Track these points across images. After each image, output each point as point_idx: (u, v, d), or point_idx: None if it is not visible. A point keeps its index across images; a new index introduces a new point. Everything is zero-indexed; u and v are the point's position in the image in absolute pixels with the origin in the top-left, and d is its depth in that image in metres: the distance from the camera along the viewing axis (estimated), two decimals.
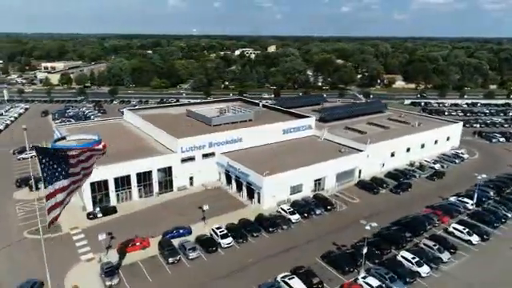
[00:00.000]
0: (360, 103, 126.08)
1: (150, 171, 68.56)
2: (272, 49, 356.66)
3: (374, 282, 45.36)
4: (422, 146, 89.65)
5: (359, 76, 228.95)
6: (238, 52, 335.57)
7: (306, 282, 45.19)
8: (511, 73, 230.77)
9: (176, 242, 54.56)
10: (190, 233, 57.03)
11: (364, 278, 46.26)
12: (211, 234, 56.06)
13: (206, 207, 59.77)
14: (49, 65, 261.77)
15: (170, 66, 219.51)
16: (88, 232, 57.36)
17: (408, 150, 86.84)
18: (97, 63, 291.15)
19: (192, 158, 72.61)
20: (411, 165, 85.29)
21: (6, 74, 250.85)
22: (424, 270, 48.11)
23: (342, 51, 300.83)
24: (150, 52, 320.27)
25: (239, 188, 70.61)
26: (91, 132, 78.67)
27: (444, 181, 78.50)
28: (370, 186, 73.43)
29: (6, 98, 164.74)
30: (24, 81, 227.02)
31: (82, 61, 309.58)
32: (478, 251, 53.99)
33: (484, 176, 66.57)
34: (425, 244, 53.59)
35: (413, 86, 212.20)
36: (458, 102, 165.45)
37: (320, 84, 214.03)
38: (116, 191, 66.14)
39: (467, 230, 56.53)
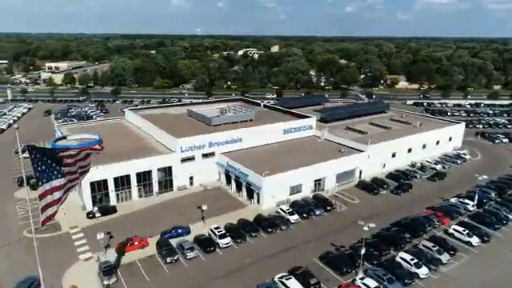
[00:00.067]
0: (362, 103, 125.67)
1: (150, 171, 68.65)
2: (275, 49, 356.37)
3: (372, 283, 45.13)
4: (424, 146, 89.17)
5: (362, 76, 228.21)
6: (241, 52, 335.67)
7: (303, 282, 45.04)
8: None
9: (175, 241, 54.59)
10: (188, 232, 57.04)
11: (362, 279, 46.04)
12: (210, 234, 56.06)
13: (204, 207, 59.78)
14: (53, 65, 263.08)
15: (173, 66, 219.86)
16: (87, 231, 57.48)
17: (409, 150, 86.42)
18: (100, 63, 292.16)
19: (192, 158, 72.64)
20: (412, 165, 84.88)
21: (11, 74, 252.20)
22: (422, 271, 47.82)
23: (346, 51, 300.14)
24: (153, 52, 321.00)
25: (239, 188, 70.56)
26: (92, 132, 78.85)
27: (445, 182, 78.05)
28: (371, 186, 73.13)
29: (9, 98, 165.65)
30: (28, 81, 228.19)
31: (86, 61, 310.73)
32: (478, 253, 53.60)
33: (485, 177, 66.18)
34: (424, 245, 53.27)
35: (416, 86, 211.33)
36: (462, 102, 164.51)
37: (322, 84, 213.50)
38: (116, 191, 66.27)
39: (467, 231, 56.16)
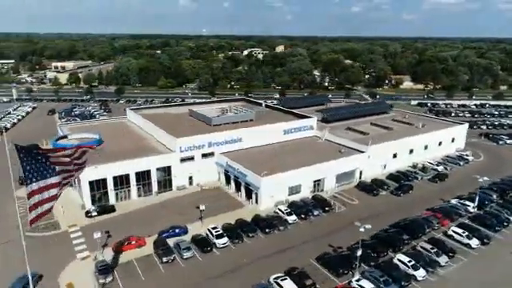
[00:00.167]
0: (364, 104, 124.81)
1: (149, 170, 68.83)
2: (280, 49, 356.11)
3: (368, 284, 44.81)
4: (426, 147, 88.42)
5: (367, 76, 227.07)
6: (246, 52, 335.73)
7: (298, 283, 44.89)
8: None
9: (172, 241, 54.67)
10: (185, 232, 57.08)
11: (358, 280, 45.73)
12: (207, 234, 56.04)
13: (202, 207, 59.74)
14: (59, 64, 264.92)
15: (177, 66, 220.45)
16: (86, 230, 57.74)
17: (411, 151, 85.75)
18: (106, 63, 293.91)
19: (191, 158, 72.72)
20: (414, 166, 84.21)
21: (17, 74, 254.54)
22: (420, 273, 47.40)
23: (351, 51, 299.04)
24: (158, 52, 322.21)
25: (238, 188, 70.49)
26: (92, 131, 79.48)
27: (446, 183, 77.30)
28: (370, 187, 72.66)
29: (14, 97, 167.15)
30: (34, 80, 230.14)
31: (92, 60, 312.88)
32: (478, 255, 52.99)
33: (486, 178, 65.37)
34: (422, 247, 52.78)
35: (421, 86, 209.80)
36: (467, 102, 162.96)
37: (326, 84, 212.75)
38: (115, 190, 66.55)
39: (467, 233, 55.56)
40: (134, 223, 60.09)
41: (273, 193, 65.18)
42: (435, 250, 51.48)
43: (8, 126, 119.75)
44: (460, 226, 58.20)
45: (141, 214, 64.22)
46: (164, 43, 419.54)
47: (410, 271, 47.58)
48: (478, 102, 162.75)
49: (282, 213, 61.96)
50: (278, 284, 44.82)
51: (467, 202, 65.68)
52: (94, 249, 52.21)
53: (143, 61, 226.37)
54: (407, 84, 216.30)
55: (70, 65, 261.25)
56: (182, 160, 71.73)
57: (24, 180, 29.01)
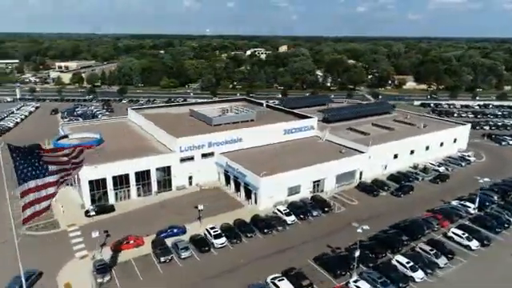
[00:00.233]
0: (366, 104, 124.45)
1: (149, 170, 68.90)
2: (283, 49, 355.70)
3: (366, 286, 44.67)
4: (427, 148, 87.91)
5: (370, 77, 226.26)
6: (249, 52, 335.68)
7: (295, 284, 44.78)
8: None
9: (170, 241, 54.69)
10: (184, 232, 57.10)
11: (355, 281, 45.55)
12: (205, 234, 56.02)
13: (200, 207, 59.79)
14: (62, 64, 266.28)
15: (180, 66, 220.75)
16: (85, 229, 57.87)
17: (412, 152, 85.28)
18: (109, 63, 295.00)
19: (191, 158, 72.73)
20: (415, 167, 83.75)
21: (21, 73, 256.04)
22: (418, 275, 47.13)
23: (354, 51, 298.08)
24: (162, 52, 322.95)
25: (237, 188, 70.42)
26: (93, 131, 79.71)
27: (448, 184, 76.82)
28: (371, 188, 72.34)
29: (18, 97, 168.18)
30: (37, 80, 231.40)
31: (96, 60, 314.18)
32: (477, 257, 52.62)
33: (486, 179, 64.96)
34: (421, 248, 52.49)
35: (424, 86, 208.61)
36: (470, 103, 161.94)
37: (329, 84, 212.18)
38: (114, 190, 66.66)
39: (466, 234, 55.18)
40: (133, 223, 60.18)
41: (272, 193, 65.06)
42: (434, 251, 51.18)
43: (11, 125, 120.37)
44: (460, 227, 57.82)
45: (140, 213, 64.32)
46: (167, 43, 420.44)
47: (409, 272, 47.34)
48: (481, 103, 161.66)
49: (281, 213, 61.82)
50: (275, 284, 44.76)
51: (468, 203, 65.22)
52: (93, 248, 52.36)
53: (146, 61, 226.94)
54: (410, 84, 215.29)
55: (73, 65, 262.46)
56: (182, 160, 71.76)
57: (17, 179, 29.06)
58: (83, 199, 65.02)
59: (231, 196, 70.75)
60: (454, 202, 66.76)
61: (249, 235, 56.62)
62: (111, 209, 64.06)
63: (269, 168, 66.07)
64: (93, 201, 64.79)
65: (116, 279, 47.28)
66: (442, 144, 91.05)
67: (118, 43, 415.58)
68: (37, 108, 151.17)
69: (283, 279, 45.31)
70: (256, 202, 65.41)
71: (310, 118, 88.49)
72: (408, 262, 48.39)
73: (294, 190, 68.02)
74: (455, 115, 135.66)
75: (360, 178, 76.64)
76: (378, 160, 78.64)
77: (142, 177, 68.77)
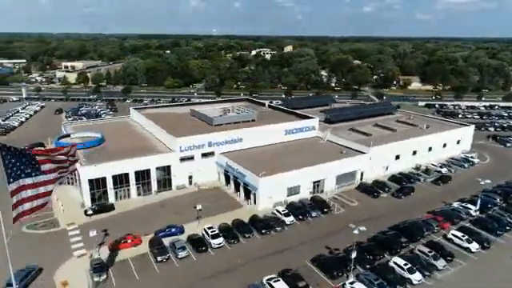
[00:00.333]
0: (368, 105, 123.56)
1: (149, 169, 69.07)
2: (289, 49, 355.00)
3: (362, 287, 44.27)
4: (430, 149, 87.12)
5: (375, 77, 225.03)
6: (254, 52, 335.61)
7: (291, 285, 44.58)
8: None
9: (168, 240, 54.73)
10: (182, 232, 57.12)
11: (351, 283, 45.24)
12: (203, 234, 56.02)
13: (199, 207, 59.80)
14: (69, 64, 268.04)
15: (185, 66, 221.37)
16: (84, 228, 58.06)
17: (414, 153, 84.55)
18: (115, 63, 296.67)
19: (191, 158, 72.80)
20: (417, 168, 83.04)
21: (28, 73, 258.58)
22: (416, 277, 46.67)
23: (360, 51, 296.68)
24: (168, 52, 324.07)
25: (237, 188, 70.35)
26: (95, 130, 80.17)
27: (450, 186, 76.04)
28: (371, 189, 71.84)
29: (24, 96, 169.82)
30: (43, 79, 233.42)
31: (102, 60, 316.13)
32: (477, 259, 52.01)
33: (488, 181, 64.20)
34: (420, 250, 51.99)
35: (429, 87, 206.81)
36: (476, 104, 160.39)
37: (333, 85, 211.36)
38: (114, 189, 66.91)
39: (466, 237, 54.54)
40: (133, 222, 60.37)
41: (271, 193, 64.88)
42: (433, 253, 50.66)
43: (15, 124, 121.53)
44: (460, 229, 57.21)
45: (139, 212, 64.49)
46: (173, 43, 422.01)
47: (406, 274, 46.88)
48: (487, 104, 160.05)
49: (280, 214, 61.61)
50: (271, 285, 44.58)
51: (469, 205, 64.47)
52: (91, 247, 52.60)
53: (151, 61, 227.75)
54: (415, 85, 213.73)
55: (79, 64, 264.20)
56: (182, 159, 71.86)
57: (7, 178, 29.18)
58: (83, 198, 65.35)
59: (231, 196, 70.68)
60: (456, 204, 66.03)
61: (247, 235, 56.48)
62: (111, 208, 64.31)
63: (269, 168, 65.90)
64: (93, 200, 65.10)
65: (112, 278, 47.45)
66: (444, 145, 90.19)
67: (124, 43, 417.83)
68: (42, 107, 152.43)
69: (279, 280, 45.14)
70: (255, 202, 65.27)
71: (312, 118, 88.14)
72: (405, 264, 47.95)
73: (293, 191, 67.77)
74: (460, 116, 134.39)
75: (361, 179, 76.16)
76: (380, 161, 78.07)
77: (142, 176, 68.96)
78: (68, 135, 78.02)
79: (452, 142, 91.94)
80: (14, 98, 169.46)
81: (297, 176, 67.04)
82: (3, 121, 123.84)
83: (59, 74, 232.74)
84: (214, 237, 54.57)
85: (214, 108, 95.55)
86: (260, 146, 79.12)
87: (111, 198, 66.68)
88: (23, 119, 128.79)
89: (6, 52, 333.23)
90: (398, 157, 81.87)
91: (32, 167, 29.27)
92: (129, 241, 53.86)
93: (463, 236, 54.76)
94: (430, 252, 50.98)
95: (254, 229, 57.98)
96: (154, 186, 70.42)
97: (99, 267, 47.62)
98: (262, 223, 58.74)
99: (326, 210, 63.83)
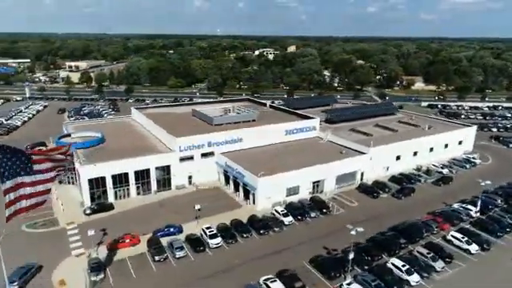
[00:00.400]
0: (370, 105, 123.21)
1: (148, 169, 69.16)
2: (292, 49, 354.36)
3: None
4: (431, 149, 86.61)
5: (378, 77, 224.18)
6: (257, 52, 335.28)
7: (288, 285, 44.48)
8: None
9: (166, 240, 54.77)
10: (180, 231, 57.16)
11: (349, 284, 45.04)
12: (201, 234, 56.01)
13: (197, 206, 59.80)
14: (72, 64, 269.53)
15: (187, 66, 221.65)
16: (83, 227, 58.05)
17: (415, 153, 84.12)
18: (118, 62, 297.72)
19: (191, 158, 72.81)
20: (418, 169, 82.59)
21: (32, 73, 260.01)
22: (414, 278, 46.38)
23: (363, 52, 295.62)
24: (171, 52, 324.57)
25: (237, 188, 70.30)
26: (95, 130, 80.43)
27: (451, 186, 75.59)
28: (371, 189, 71.53)
29: (27, 96, 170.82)
30: (47, 79, 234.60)
31: (105, 60, 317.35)
32: (477, 261, 51.64)
33: (488, 182, 63.53)
34: (418, 251, 51.67)
35: (433, 87, 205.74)
36: (479, 104, 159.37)
37: (336, 85, 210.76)
38: (114, 188, 67.04)
39: (466, 238, 54.15)
40: (132, 221, 60.47)
41: (270, 193, 64.78)
42: (431, 254, 50.33)
43: (18, 124, 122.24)
44: (460, 230, 56.80)
45: (139, 212, 64.57)
46: (177, 43, 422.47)
47: (404, 276, 46.61)
48: (490, 104, 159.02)
49: (278, 214, 61.50)
50: (267, 286, 44.49)
51: (470, 207, 64.02)
52: (90, 246, 52.75)
53: (153, 60, 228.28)
54: (419, 85, 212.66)
55: (83, 64, 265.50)
56: (182, 159, 71.89)
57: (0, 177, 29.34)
58: (83, 197, 65.55)
59: (230, 196, 70.63)
60: (456, 205, 65.58)
61: (245, 235, 56.42)
62: (110, 207, 64.46)
63: (268, 168, 65.78)
64: (92, 199, 65.25)
65: (110, 277, 47.53)
66: (446, 146, 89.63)
67: (127, 43, 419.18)
68: (45, 107, 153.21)
69: (275, 280, 45.05)
70: (254, 202, 65.18)
71: (312, 118, 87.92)
72: (404, 265, 47.68)
73: (292, 191, 67.61)
74: (463, 117, 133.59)
75: (361, 180, 75.87)
76: (380, 161, 77.72)
77: (142, 176, 69.07)
78: (69, 135, 78.33)
79: (454, 142, 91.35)
80: (18, 98, 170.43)
81: (296, 176, 66.88)
82: (6, 120, 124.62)
83: (63, 74, 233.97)
84: (212, 237, 54.53)
85: (214, 108, 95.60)
86: (260, 146, 79.03)
87: (111, 198, 66.81)
88: (26, 119, 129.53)
89: (10, 52, 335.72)
90: (398, 157, 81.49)
91: (26, 166, 29.42)
92: (127, 240, 53.94)
93: (463, 237, 54.38)
94: (428, 253, 50.66)
95: (252, 229, 57.88)
96: (154, 185, 70.51)
97: (97, 266, 47.73)
98: (260, 223, 58.65)
99: (325, 210, 63.61)
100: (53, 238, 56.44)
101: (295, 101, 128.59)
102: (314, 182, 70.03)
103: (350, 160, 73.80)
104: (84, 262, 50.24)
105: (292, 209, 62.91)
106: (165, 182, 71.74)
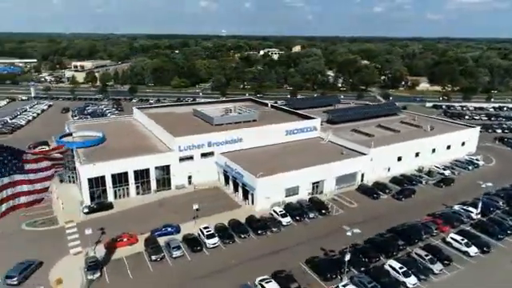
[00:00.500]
0: (372, 105, 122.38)
1: (148, 169, 69.32)
2: (297, 49, 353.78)
3: None
4: (433, 150, 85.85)
5: (383, 77, 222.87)
6: (262, 52, 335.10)
7: (283, 286, 44.29)
8: None
9: (164, 240, 54.86)
10: (178, 231, 57.22)
11: (344, 286, 44.78)
12: (198, 234, 56.01)
13: (195, 206, 59.84)
14: (78, 64, 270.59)
15: (191, 66, 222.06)
16: (81, 226, 58.30)
17: (417, 154, 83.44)
18: (123, 62, 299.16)
19: (190, 157, 72.87)
20: (419, 170, 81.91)
21: (38, 73, 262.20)
22: (411, 280, 45.98)
23: (369, 52, 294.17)
24: (177, 52, 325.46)
25: (236, 188, 70.23)
26: (96, 129, 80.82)
27: (452, 188, 74.87)
28: (371, 190, 71.08)
29: (32, 95, 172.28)
30: (52, 79, 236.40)
31: (111, 60, 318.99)
32: (476, 264, 51.06)
33: (489, 184, 62.74)
34: (416, 253, 51.21)
35: (438, 88, 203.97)
36: (484, 105, 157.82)
37: (340, 85, 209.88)
38: (113, 187, 67.28)
39: (465, 240, 53.55)
40: (130, 221, 60.68)
41: (269, 194, 64.62)
42: (429, 256, 49.86)
43: (23, 123, 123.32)
44: (459, 232, 56.19)
45: (138, 211, 64.73)
46: (183, 43, 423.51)
47: (401, 278, 46.23)
48: (496, 105, 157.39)
49: (277, 214, 61.34)
50: (263, 286, 44.39)
51: (470, 208, 63.35)
52: (88, 245, 52.95)
53: (158, 60, 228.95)
54: (424, 85, 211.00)
55: (88, 64, 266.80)
56: (181, 159, 71.97)
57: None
58: (83, 196, 65.88)
59: (229, 196, 70.56)
60: (457, 207, 64.92)
61: (242, 236, 56.34)
62: (109, 206, 64.70)
63: (268, 169, 65.62)
64: (92, 198, 65.54)
65: (106, 276, 47.72)
66: (449, 147, 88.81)
67: (133, 43, 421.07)
68: (49, 106, 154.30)
69: (271, 281, 44.92)
70: (253, 202, 65.07)
71: (313, 118, 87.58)
72: (401, 267, 47.29)
73: (291, 191, 67.38)
74: (467, 117, 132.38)
75: (362, 180, 75.43)
76: (381, 162, 77.20)
77: (141, 175, 69.25)
78: (70, 134, 78.81)
79: (456, 143, 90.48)
80: (23, 97, 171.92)
81: (295, 177, 66.63)
82: (11, 119, 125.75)
83: (68, 74, 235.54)
84: (209, 237, 54.52)
85: (216, 108, 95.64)
86: (260, 147, 78.84)
87: (110, 197, 67.06)
88: (30, 118, 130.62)
89: (17, 52, 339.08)
90: (400, 158, 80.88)
91: (18, 165, 29.74)
92: (125, 239, 54.12)
93: (462, 239, 53.81)
94: (426, 255, 50.19)
95: (250, 229, 57.77)
96: (154, 185, 70.66)
97: (93, 265, 47.97)
98: (258, 224, 58.53)
99: (323, 211, 63.31)
100: (52, 236, 56.79)
101: (297, 101, 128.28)
102: (313, 183, 69.74)
103: (350, 161, 73.38)
104: (81, 260, 50.49)
105: (290, 209, 62.73)
106: (164, 182, 71.87)
